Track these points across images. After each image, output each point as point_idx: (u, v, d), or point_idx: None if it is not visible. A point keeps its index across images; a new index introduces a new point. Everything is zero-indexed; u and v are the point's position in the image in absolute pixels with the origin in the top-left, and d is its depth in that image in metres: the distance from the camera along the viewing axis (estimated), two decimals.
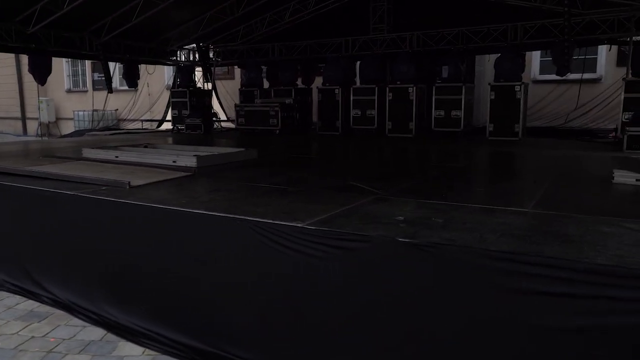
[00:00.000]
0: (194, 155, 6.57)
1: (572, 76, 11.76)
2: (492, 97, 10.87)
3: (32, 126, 23.98)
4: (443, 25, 12.13)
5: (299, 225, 3.42)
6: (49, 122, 22.87)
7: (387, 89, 12.12)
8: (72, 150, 8.54)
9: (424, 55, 12.45)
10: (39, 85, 23.27)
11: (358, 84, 12.98)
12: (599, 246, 2.89)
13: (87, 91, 22.52)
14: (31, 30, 11.15)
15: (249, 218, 3.59)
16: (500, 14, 11.27)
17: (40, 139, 19.58)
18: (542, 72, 13.48)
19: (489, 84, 11.10)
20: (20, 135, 23.37)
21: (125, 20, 12.12)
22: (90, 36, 12.64)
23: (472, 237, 3.10)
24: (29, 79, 24.07)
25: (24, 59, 22.94)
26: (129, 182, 4.94)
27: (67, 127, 22.24)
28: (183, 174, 5.85)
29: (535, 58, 13.44)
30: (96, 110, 20.23)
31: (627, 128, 8.45)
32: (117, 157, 7.21)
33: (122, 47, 13.60)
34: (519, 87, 10.58)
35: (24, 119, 24.54)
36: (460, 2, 11.44)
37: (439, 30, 12.20)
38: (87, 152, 7.70)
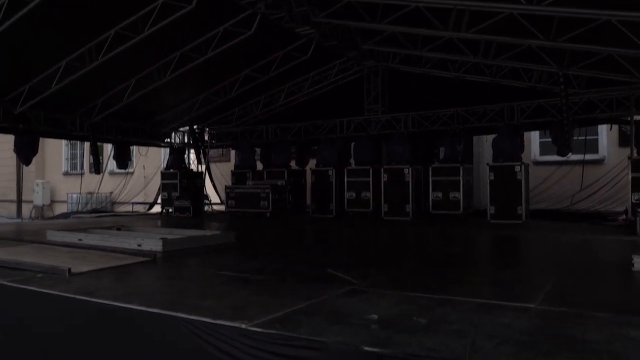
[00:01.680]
0: (161, 239, 5.93)
1: (574, 157, 11.33)
2: (492, 177, 10.34)
3: (27, 209, 23.57)
4: (438, 106, 11.92)
5: (242, 326, 2.70)
6: (43, 204, 22.46)
7: (382, 170, 11.66)
8: (40, 233, 7.90)
9: (419, 136, 12.13)
10: (36, 168, 23.30)
11: (353, 165, 12.55)
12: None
13: (83, 174, 22.29)
14: (19, 109, 10.96)
15: (182, 316, 2.87)
16: (496, 94, 11.09)
17: (28, 221, 19.02)
18: (542, 153, 13.07)
19: (488, 164, 10.63)
20: (12, 218, 22.88)
21: (117, 101, 12.01)
22: (81, 117, 12.47)
23: (461, 344, 2.37)
24: None
25: None
26: (69, 269, 4.27)
27: (61, 210, 21.77)
28: (142, 259, 5.17)
29: (534, 139, 13.09)
30: (90, 193, 19.84)
31: (639, 210, 7.78)
32: (80, 240, 6.60)
33: (114, 128, 13.42)
34: (519, 167, 10.07)
35: (19, 201, 24.16)
36: (454, 83, 11.29)
37: (434, 110, 11.99)
38: (52, 235, 7.10)
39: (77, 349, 3.28)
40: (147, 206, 16.56)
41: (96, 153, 12.90)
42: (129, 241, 6.15)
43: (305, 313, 3.02)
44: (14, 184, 24.53)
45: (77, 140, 15.96)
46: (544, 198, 12.18)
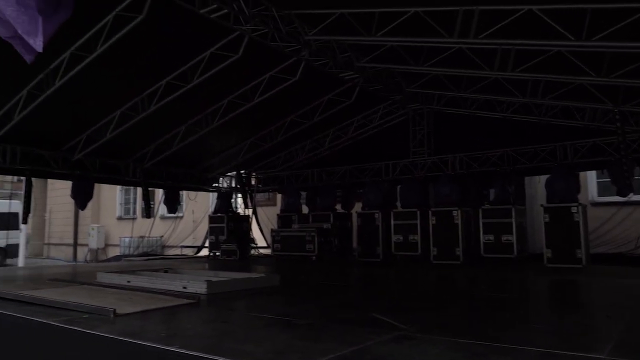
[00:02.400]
0: (205, 281, 5.92)
1: (636, 197, 10.70)
2: (547, 219, 9.88)
3: (82, 252, 24.44)
4: (486, 147, 11.66)
5: None
6: (97, 248, 23.24)
7: (430, 212, 11.39)
8: (92, 275, 8.08)
9: (468, 177, 11.84)
10: (92, 212, 24.27)
11: (399, 207, 12.35)
12: None
13: (136, 218, 23.03)
14: (76, 157, 11.52)
15: (218, 359, 2.78)
16: (546, 134, 10.75)
17: (83, 263, 19.66)
18: (601, 193, 12.43)
19: (542, 205, 10.18)
20: (69, 261, 23.73)
21: (167, 147, 12.44)
22: (134, 163, 12.97)
23: None
24: None
25: None
26: (114, 310, 4.29)
27: (114, 253, 22.43)
28: (186, 301, 5.15)
29: (591, 179, 12.51)
30: (141, 237, 20.39)
31: None
32: (128, 281, 6.69)
33: (164, 173, 13.85)
34: (575, 208, 9.58)
35: (75, 245, 25.14)
36: (502, 123, 11.04)
37: (482, 151, 11.72)
38: (102, 277, 7.24)
39: None
40: (195, 249, 16.77)
41: (147, 198, 13.29)
42: (174, 283, 6.17)
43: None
44: (70, 228, 25.64)
45: (129, 185, 16.57)
46: (605, 241, 11.48)
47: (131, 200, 23.81)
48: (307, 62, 9.34)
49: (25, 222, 11.60)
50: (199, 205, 18.87)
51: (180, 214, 19.50)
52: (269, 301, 5.48)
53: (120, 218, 23.88)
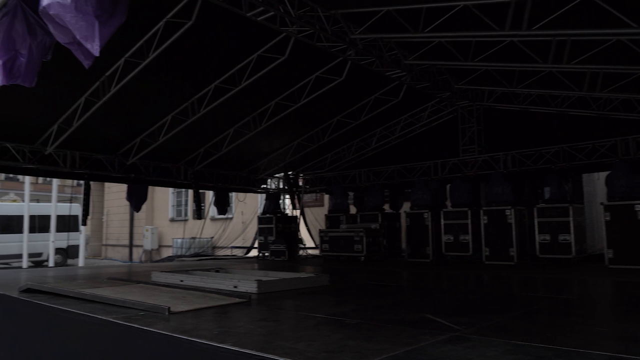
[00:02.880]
0: (256, 281, 5.98)
1: None
2: (608, 218, 9.41)
3: (137, 253, 25.33)
4: (540, 143, 11.24)
5: None
6: (152, 249, 24.03)
7: (482, 211, 11.08)
8: (147, 274, 8.34)
9: (521, 175, 11.44)
10: (146, 214, 25.13)
11: (449, 207, 12.09)
12: None
13: (187, 220, 23.66)
14: (131, 160, 11.94)
15: (274, 358, 2.78)
16: (605, 128, 10.24)
17: (138, 264, 20.35)
18: None
19: (602, 203, 9.71)
20: (125, 262, 24.63)
21: (216, 150, 12.70)
22: (185, 166, 13.32)
23: None
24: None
25: None
26: (169, 308, 4.39)
27: (167, 254, 23.12)
28: (237, 300, 5.22)
29: None
30: (193, 238, 20.92)
31: None
32: (181, 280, 6.86)
33: (215, 176, 14.15)
34: (639, 206, 9.08)
35: (131, 246, 26.09)
36: (556, 118, 10.63)
37: (536, 148, 11.31)
38: (156, 276, 7.46)
39: None
40: (245, 250, 17.03)
41: (198, 200, 13.60)
42: (225, 283, 6.27)
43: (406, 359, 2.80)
44: (126, 230, 26.65)
45: (181, 188, 17.00)
46: None
47: (183, 203, 24.47)
48: (353, 61, 9.31)
49: (84, 224, 12.12)
50: (247, 206, 19.19)
51: (230, 216, 19.89)
52: (319, 301, 5.46)
53: (172, 220, 24.58)
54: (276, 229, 14.20)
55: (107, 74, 8.70)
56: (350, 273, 9.46)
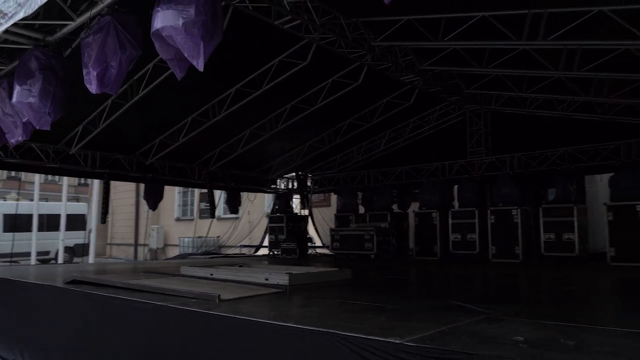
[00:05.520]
0: (287, 273, 6.37)
1: None
2: (610, 218, 9.87)
3: (142, 252, 25.66)
4: (545, 146, 11.67)
5: (397, 341, 2.95)
6: (157, 248, 24.36)
7: (489, 211, 11.51)
8: (172, 269, 8.73)
9: (526, 177, 11.88)
10: (151, 214, 25.44)
11: (456, 207, 12.52)
12: None
13: (193, 219, 24.02)
14: (150, 161, 12.32)
15: (340, 332, 3.18)
16: (608, 132, 10.67)
17: (151, 261, 20.70)
18: None
19: (605, 204, 10.15)
20: (130, 260, 24.95)
21: (231, 151, 13.07)
22: (199, 166, 13.69)
23: None
24: (145, 208, 26.39)
25: (142, 191, 25.55)
26: (219, 296, 4.78)
27: (173, 253, 23.45)
28: (274, 290, 5.62)
29: None
30: (200, 237, 21.29)
31: None
32: (211, 274, 7.21)
33: (227, 176, 14.52)
34: None
35: (136, 245, 26.41)
36: (561, 122, 11.06)
37: (541, 150, 11.73)
38: (185, 270, 7.81)
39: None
40: (254, 249, 17.41)
41: (212, 199, 13.97)
42: (256, 276, 6.64)
43: (449, 334, 3.21)
44: (131, 229, 26.97)
45: (195, 187, 17.35)
46: None
47: (189, 202, 24.81)
48: (369, 66, 9.71)
49: (104, 221, 12.51)
50: (255, 206, 19.53)
51: (237, 215, 20.25)
52: (350, 292, 5.86)
53: (178, 219, 24.92)
54: (287, 227, 14.59)
55: (135, 77, 9.06)
56: (365, 270, 9.86)
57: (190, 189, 23.35)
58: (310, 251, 15.29)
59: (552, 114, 10.97)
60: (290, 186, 16.56)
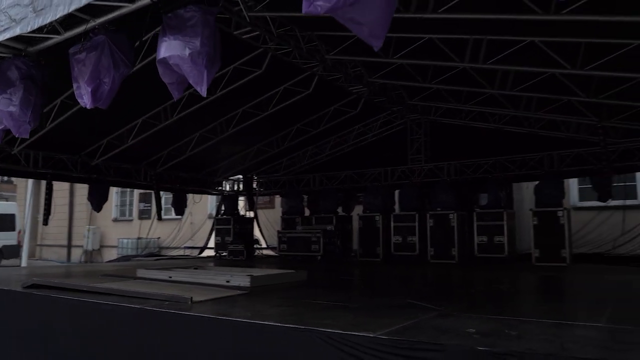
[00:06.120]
0: (248, 275, 6.68)
1: (613, 202, 11.80)
2: (535, 222, 10.91)
3: (76, 253, 24.75)
4: (479, 155, 12.65)
5: (371, 335, 3.41)
6: (92, 249, 23.61)
7: (428, 215, 12.32)
8: (127, 272, 8.76)
9: (462, 183, 12.81)
10: (86, 214, 24.63)
11: (398, 211, 13.26)
12: None
13: (132, 220, 23.52)
14: (96, 162, 12.13)
15: (321, 329, 3.59)
16: (535, 144, 11.76)
17: (89, 264, 20.07)
18: (581, 198, 13.56)
19: (531, 209, 11.20)
20: (63, 262, 24.01)
21: (179, 153, 13.12)
22: (146, 167, 13.60)
23: (553, 346, 3.03)
24: (79, 208, 25.48)
25: (78, 190, 24.62)
26: (191, 298, 5.04)
27: (110, 254, 22.86)
28: (239, 292, 5.93)
29: (573, 185, 13.61)
30: (140, 238, 20.92)
31: None
32: (170, 277, 7.36)
33: (174, 177, 14.49)
34: (561, 212, 10.64)
35: (69, 246, 25.44)
36: (494, 133, 12.04)
37: (475, 159, 12.70)
38: (142, 273, 7.88)
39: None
40: (198, 250, 17.41)
41: (159, 201, 13.91)
42: (217, 278, 6.89)
43: (413, 328, 3.71)
44: (64, 230, 25.91)
45: (141, 189, 17.07)
46: (585, 242, 12.57)
47: (127, 203, 24.24)
48: (320, 76, 10.18)
49: (46, 223, 12.15)
50: (197, 208, 19.46)
51: (179, 217, 20.06)
52: (311, 292, 6.25)
53: (116, 220, 24.27)
54: (234, 229, 14.79)
55: None
56: (315, 271, 10.29)
57: (129, 189, 22.84)
58: (256, 252, 15.55)
59: (485, 126, 11.93)
60: (235, 188, 16.74)
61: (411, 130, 13.51)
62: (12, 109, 4.32)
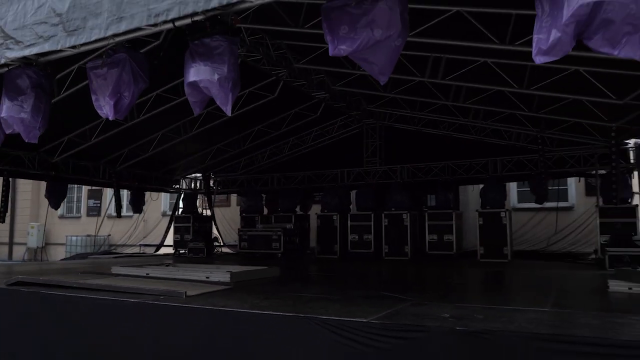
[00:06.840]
0: (227, 271, 7.11)
1: (548, 204, 13.05)
2: (481, 222, 11.93)
3: (18, 251, 23.90)
4: (430, 159, 13.58)
5: (364, 320, 4.01)
6: (37, 247, 22.89)
7: (383, 215, 13.11)
8: (101, 269, 8.93)
9: (414, 184, 13.70)
10: (29, 210, 23.83)
11: (354, 210, 13.99)
12: (617, 331, 3.58)
13: (80, 217, 23.04)
14: (56, 159, 12.05)
15: (319, 316, 4.15)
16: (480, 150, 12.80)
17: (22, 262, 19.50)
18: (520, 200, 14.85)
19: (477, 210, 12.23)
20: (5, 260, 23.13)
21: (140, 151, 13.21)
22: (104, 165, 13.58)
23: (514, 326, 3.75)
24: (22, 205, 24.59)
25: (20, 185, 23.78)
26: (186, 292, 5.44)
27: (56, 252, 22.31)
28: (224, 287, 6.36)
29: (512, 188, 14.87)
30: (89, 235, 20.57)
31: (607, 249, 9.42)
32: (148, 274, 7.66)
33: (133, 175, 14.53)
34: (504, 213, 11.71)
35: (11, 243, 24.51)
36: (444, 139, 13.00)
37: (426, 163, 13.63)
38: (117, 270, 8.10)
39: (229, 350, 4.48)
40: (153, 248, 17.43)
41: (119, 199, 13.92)
42: (197, 274, 7.27)
43: (397, 315, 4.34)
44: (5, 226, 24.86)
45: (100, 186, 16.86)
46: (524, 240, 13.83)
47: (74, 199, 23.68)
48: (285, 81, 10.70)
49: (2, 221, 11.92)
50: (150, 205, 19.39)
51: (130, 214, 19.89)
52: (290, 287, 6.78)
53: (62, 216, 23.65)
54: (193, 227, 15.02)
55: (58, 76, 9.05)
56: (280, 268, 10.81)
57: (76, 185, 22.32)
58: (215, 250, 15.82)
59: (435, 132, 12.86)
60: (193, 186, 16.92)
61: (367, 134, 14.26)
62: (23, 115, 4.56)
